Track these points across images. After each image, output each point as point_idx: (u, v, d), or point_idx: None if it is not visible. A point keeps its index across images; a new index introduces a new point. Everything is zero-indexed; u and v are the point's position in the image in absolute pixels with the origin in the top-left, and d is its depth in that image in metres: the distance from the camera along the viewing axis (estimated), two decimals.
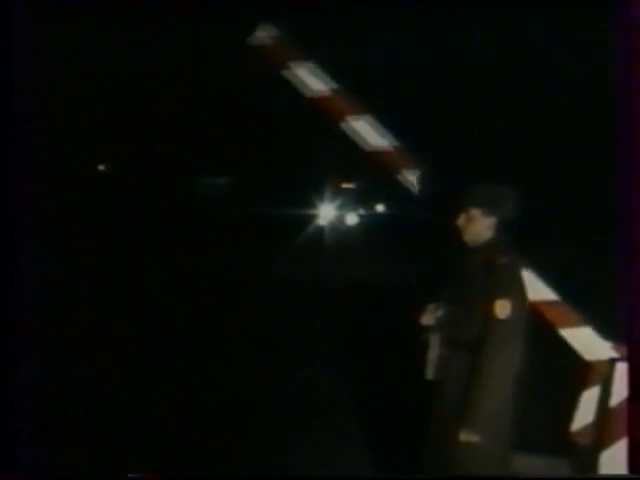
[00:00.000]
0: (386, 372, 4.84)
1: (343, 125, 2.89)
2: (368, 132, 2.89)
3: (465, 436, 2.27)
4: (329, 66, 2.93)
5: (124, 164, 17.40)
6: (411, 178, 2.88)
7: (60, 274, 8.14)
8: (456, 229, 2.48)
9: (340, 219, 18.62)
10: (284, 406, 4.33)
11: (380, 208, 20.33)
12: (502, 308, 2.25)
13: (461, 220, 2.47)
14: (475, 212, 2.43)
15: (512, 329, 2.26)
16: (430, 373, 2.48)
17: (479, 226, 2.43)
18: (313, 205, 17.63)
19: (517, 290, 2.31)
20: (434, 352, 2.48)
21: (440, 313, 2.48)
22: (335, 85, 2.93)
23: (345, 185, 20.78)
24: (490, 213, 2.41)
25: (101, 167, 17.47)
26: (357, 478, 3.38)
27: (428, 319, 2.51)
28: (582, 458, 2.78)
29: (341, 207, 18.76)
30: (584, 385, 2.76)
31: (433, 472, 2.45)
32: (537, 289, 2.73)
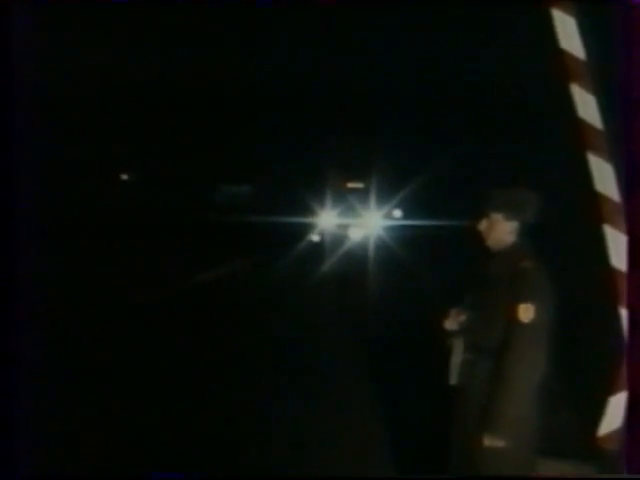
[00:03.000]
0: (409, 379, 4.83)
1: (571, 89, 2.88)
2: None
3: (489, 441, 2.26)
4: None
5: (146, 172, 17.58)
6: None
7: (81, 282, 8.27)
8: (478, 234, 2.48)
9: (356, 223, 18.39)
10: (305, 408, 4.36)
11: (397, 211, 19.93)
12: (526, 312, 2.24)
13: (483, 225, 2.47)
14: (497, 216, 2.43)
15: (536, 333, 2.25)
16: (454, 378, 2.48)
17: (501, 230, 2.43)
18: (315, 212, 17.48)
19: (541, 294, 2.29)
20: (457, 357, 2.47)
21: (463, 318, 2.48)
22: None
23: (352, 185, 20.11)
24: (512, 217, 2.41)
25: (124, 176, 17.67)
26: (357, 478, 3.37)
27: (451, 324, 2.51)
28: (609, 463, 2.74)
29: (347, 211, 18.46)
30: (612, 389, 2.73)
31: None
32: (621, 256, 2.69)
